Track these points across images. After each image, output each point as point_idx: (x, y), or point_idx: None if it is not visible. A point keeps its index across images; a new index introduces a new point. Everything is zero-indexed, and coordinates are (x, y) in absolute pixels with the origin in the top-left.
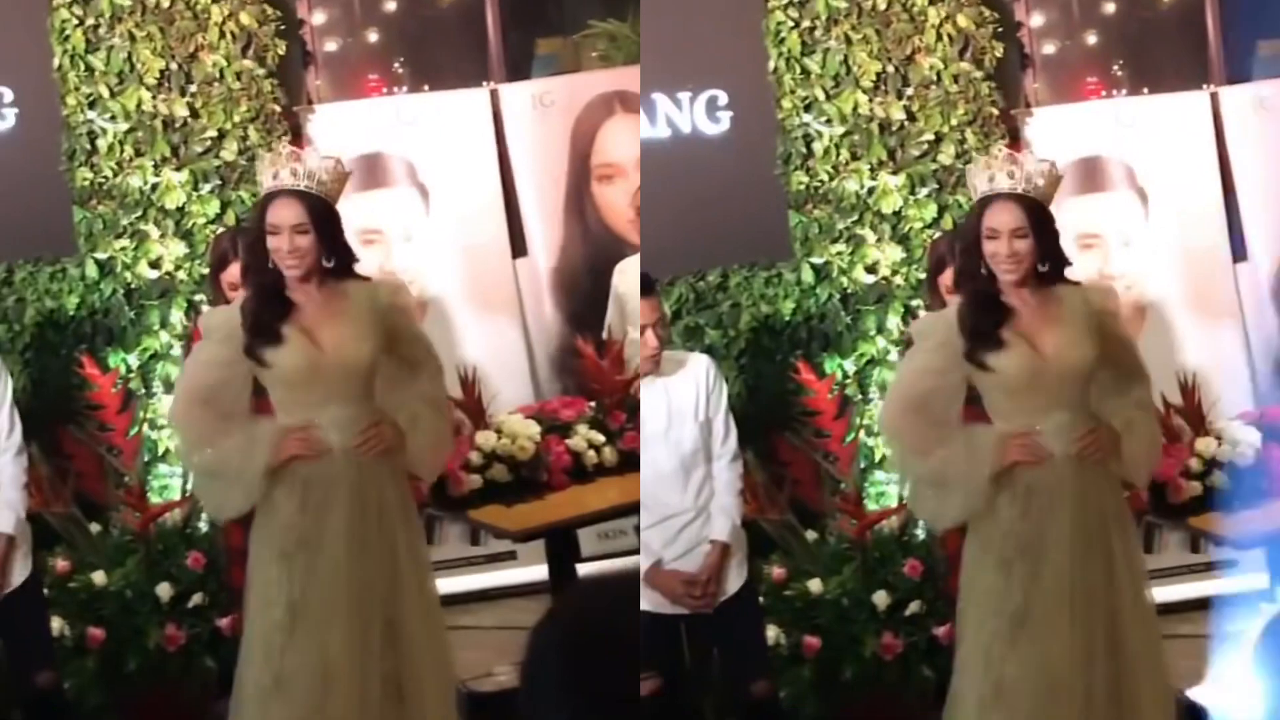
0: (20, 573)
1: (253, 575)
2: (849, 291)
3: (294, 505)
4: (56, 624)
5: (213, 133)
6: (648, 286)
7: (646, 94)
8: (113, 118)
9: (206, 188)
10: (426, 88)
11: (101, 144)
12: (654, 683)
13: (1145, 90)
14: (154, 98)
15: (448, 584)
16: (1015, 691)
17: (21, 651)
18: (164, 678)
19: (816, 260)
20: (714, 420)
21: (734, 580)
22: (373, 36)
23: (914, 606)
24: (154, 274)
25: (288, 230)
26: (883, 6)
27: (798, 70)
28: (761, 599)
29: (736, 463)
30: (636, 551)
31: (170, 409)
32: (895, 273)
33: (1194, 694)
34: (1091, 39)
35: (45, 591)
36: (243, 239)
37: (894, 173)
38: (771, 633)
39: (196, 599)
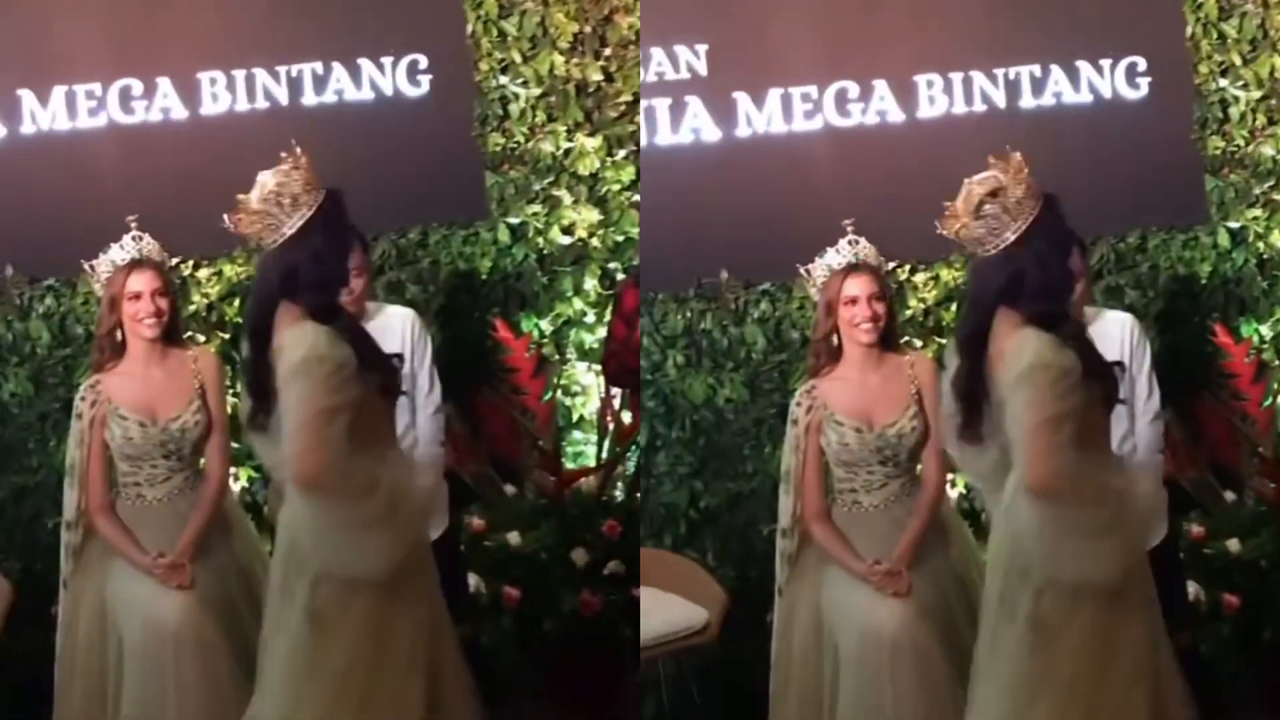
0: (438, 527)
1: None
2: (545, 253)
3: None
4: (472, 580)
5: (627, 97)
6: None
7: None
8: (525, 83)
9: (620, 154)
10: None
11: (514, 109)
12: None
13: None
14: (567, 62)
15: None
16: None
17: None
18: (580, 642)
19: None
20: (1137, 379)
21: (1157, 533)
22: None
23: None
24: (566, 240)
25: None
26: None
27: (495, 33)
28: (1182, 555)
29: (1158, 422)
30: None
31: None
32: (592, 235)
33: None
34: None
35: (461, 548)
36: None
37: (591, 134)
38: (1192, 589)
39: (612, 566)
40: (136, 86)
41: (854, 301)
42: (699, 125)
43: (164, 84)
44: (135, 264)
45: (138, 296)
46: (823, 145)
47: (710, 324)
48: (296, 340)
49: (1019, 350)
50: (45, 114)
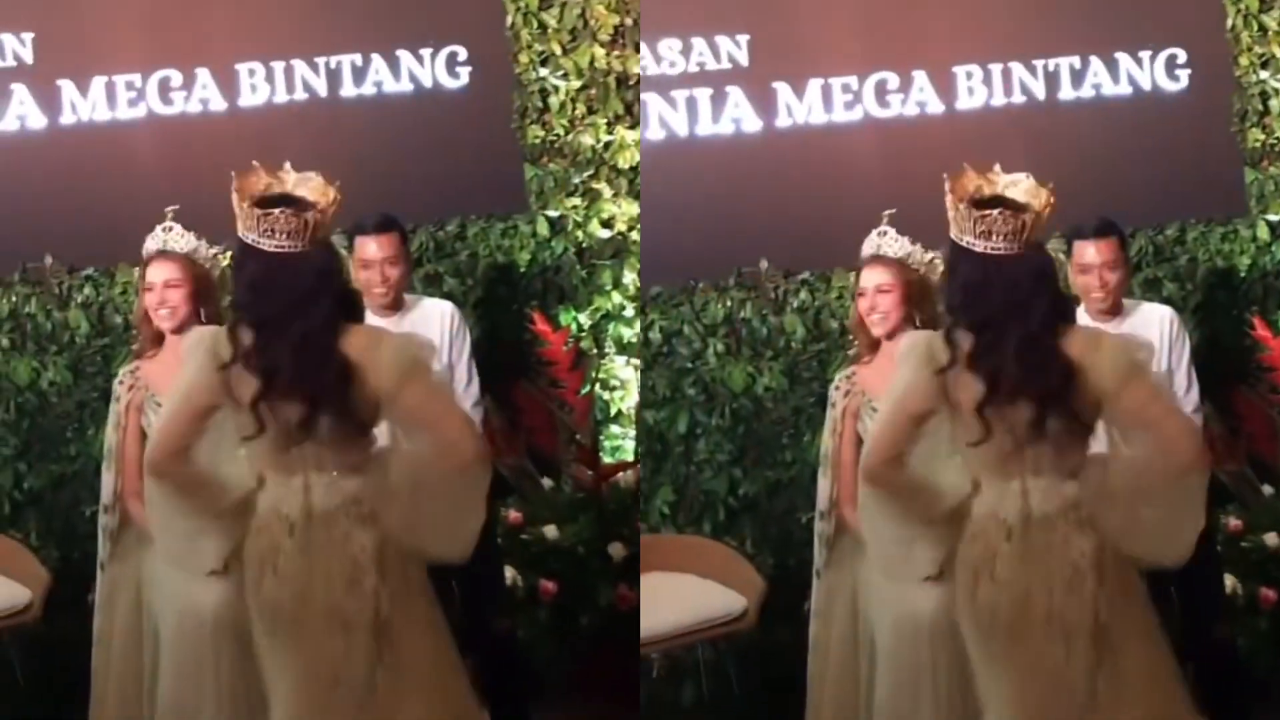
0: None
1: None
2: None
3: None
4: (509, 573)
5: None
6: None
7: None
8: (565, 75)
9: None
10: None
11: (553, 101)
12: None
13: None
14: (607, 55)
15: None
16: None
17: (476, 597)
18: (616, 637)
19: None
20: (1175, 372)
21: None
22: None
23: None
24: (606, 233)
25: None
26: None
27: (535, 25)
28: (1219, 548)
29: (1197, 415)
30: None
31: None
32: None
33: None
34: None
35: (498, 541)
36: None
37: (631, 127)
38: (1229, 582)
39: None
40: (175, 77)
41: (863, 294)
42: (740, 115)
43: (203, 75)
44: (157, 255)
45: (151, 288)
46: (862, 136)
47: (750, 313)
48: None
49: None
50: (85, 104)
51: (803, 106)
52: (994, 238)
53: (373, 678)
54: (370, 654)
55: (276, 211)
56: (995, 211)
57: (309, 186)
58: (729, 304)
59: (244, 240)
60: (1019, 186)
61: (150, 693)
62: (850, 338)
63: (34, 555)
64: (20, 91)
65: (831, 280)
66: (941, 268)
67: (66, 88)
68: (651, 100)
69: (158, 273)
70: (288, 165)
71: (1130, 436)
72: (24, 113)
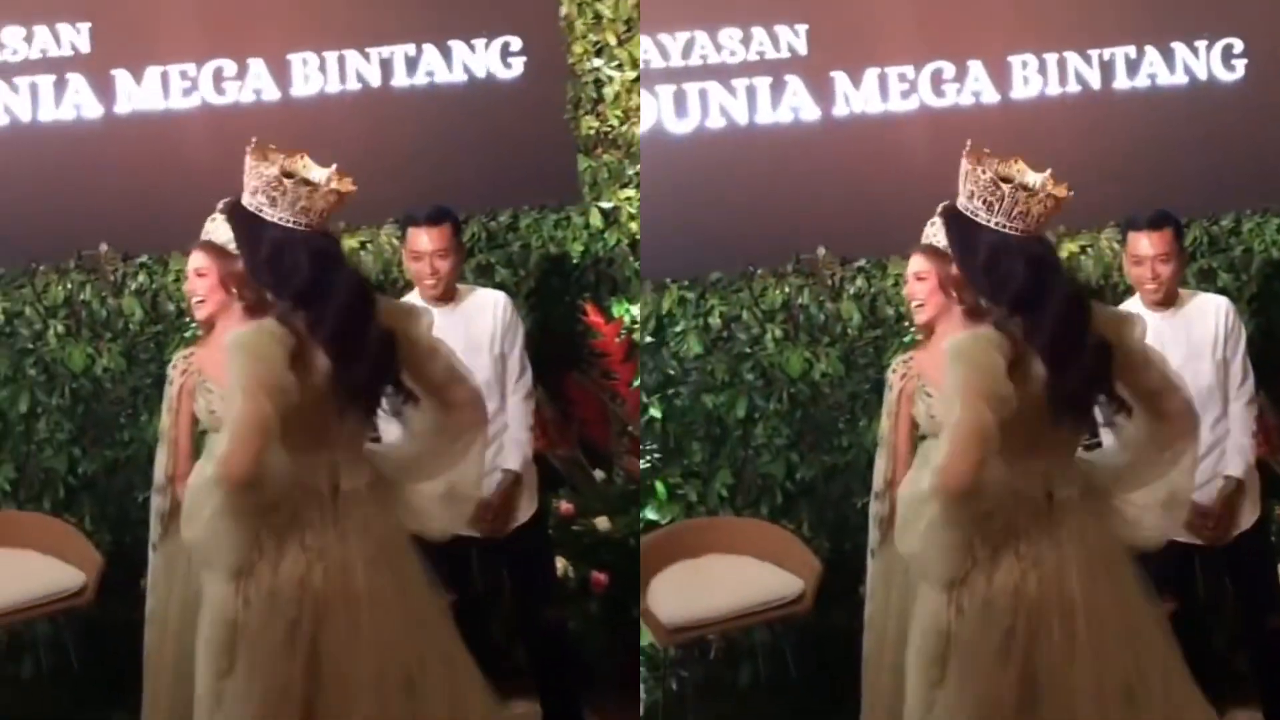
0: (526, 511)
1: None
2: (637, 238)
3: None
4: (560, 564)
5: None
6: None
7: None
8: (619, 66)
9: None
10: None
11: (608, 92)
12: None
13: None
14: None
15: None
16: None
17: (526, 587)
18: None
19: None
20: (1231, 362)
21: (1248, 515)
22: None
23: None
24: None
25: None
26: None
27: (589, 15)
28: (1273, 538)
29: (1251, 405)
30: None
31: None
32: None
33: None
34: None
35: (549, 532)
36: None
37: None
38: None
39: None
40: (229, 67)
41: (907, 281)
42: (798, 104)
43: (256, 65)
44: (198, 244)
45: (188, 277)
46: (918, 125)
47: (808, 299)
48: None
49: None
50: (140, 94)
51: (860, 96)
52: (1023, 219)
53: (409, 664)
54: (403, 641)
55: (307, 186)
56: (1036, 188)
57: (325, 174)
58: (787, 290)
59: (260, 215)
60: (1038, 179)
61: None
62: (906, 324)
63: (88, 539)
64: (76, 81)
65: (887, 267)
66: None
67: (122, 77)
68: (712, 89)
69: (191, 261)
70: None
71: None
72: (80, 102)
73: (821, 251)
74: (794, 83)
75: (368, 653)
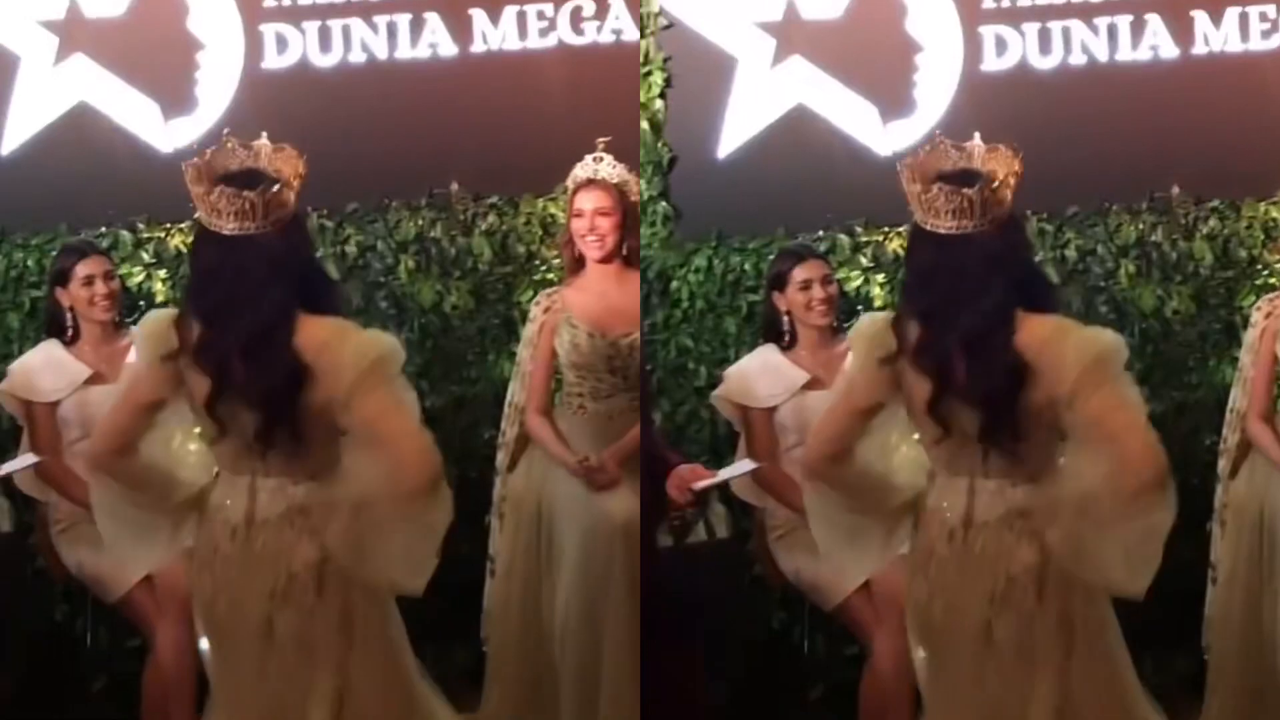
0: None
1: None
2: None
3: None
4: None
5: None
6: None
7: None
8: None
9: None
10: None
11: None
12: None
13: None
14: None
15: None
16: None
17: None
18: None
19: None
20: None
21: None
22: None
23: None
24: None
25: None
26: None
27: None
28: None
29: None
30: None
31: None
32: None
33: None
34: None
35: None
36: None
37: None
38: None
39: None
40: (588, 6)
41: None
42: (1158, 43)
43: (616, 5)
44: (586, 183)
45: (580, 214)
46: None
47: (1160, 237)
48: None
49: None
50: (496, 33)
51: (1219, 35)
52: (941, 215)
53: (303, 705)
54: (301, 678)
55: (217, 192)
56: (936, 187)
57: (282, 158)
58: (1141, 227)
59: (199, 222)
60: (978, 157)
61: (549, 593)
62: (1260, 267)
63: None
64: (433, 20)
65: (1241, 210)
66: None
67: (478, 17)
68: (1075, 27)
69: (587, 200)
70: (264, 136)
71: (1085, 448)
72: (436, 40)
73: (1175, 190)
74: (1153, 21)
75: None
